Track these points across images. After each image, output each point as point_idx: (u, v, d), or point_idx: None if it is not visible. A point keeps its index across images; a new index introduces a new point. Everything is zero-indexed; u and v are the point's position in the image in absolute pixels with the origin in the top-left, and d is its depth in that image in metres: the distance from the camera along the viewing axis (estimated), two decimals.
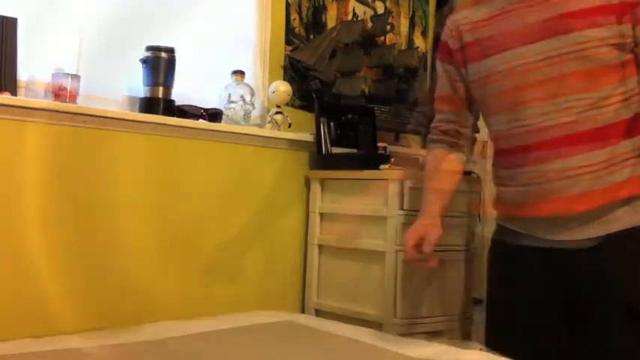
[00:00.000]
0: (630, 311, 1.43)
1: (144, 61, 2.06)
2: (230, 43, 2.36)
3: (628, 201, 1.45)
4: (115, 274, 1.92)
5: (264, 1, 2.43)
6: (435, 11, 3.09)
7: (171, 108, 2.09)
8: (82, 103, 1.91)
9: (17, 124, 1.73)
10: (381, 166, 2.15)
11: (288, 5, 2.50)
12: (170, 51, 2.08)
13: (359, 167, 2.23)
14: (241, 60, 2.37)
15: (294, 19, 2.53)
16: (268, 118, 2.35)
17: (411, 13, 2.99)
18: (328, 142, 2.38)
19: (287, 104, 2.41)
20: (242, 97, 2.26)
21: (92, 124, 1.87)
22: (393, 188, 2.10)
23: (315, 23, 2.60)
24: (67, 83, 1.85)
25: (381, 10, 2.84)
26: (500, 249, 1.66)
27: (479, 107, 1.65)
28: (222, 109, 2.24)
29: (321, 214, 2.36)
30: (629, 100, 1.45)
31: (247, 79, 2.34)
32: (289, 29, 2.51)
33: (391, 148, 2.60)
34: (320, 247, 2.36)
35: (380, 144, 2.54)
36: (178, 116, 2.09)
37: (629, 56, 1.44)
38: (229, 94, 2.26)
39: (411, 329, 2.04)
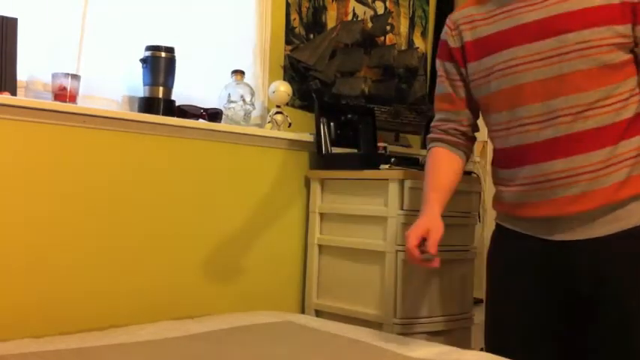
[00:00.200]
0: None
1: (144, 61, 2.06)
2: (230, 43, 2.36)
3: (628, 201, 1.45)
4: (114, 274, 1.93)
5: (264, 1, 2.43)
6: (436, 12, 3.09)
7: (171, 108, 2.09)
8: (82, 103, 1.91)
9: (17, 124, 1.73)
10: (381, 166, 2.15)
11: (288, 5, 2.50)
12: (170, 51, 2.08)
13: (359, 167, 2.23)
14: (241, 60, 2.37)
15: (294, 19, 2.53)
16: (268, 118, 2.35)
17: (411, 13, 2.99)
18: (328, 142, 2.38)
19: (287, 104, 2.41)
20: (242, 97, 2.26)
21: (92, 124, 1.87)
22: (393, 188, 2.10)
23: (315, 23, 2.60)
24: (67, 83, 1.85)
25: (381, 10, 2.84)
26: (500, 249, 1.66)
27: (478, 106, 1.65)
28: (222, 109, 2.24)
29: (321, 214, 2.36)
30: (628, 100, 1.44)
31: (247, 79, 2.34)
32: (289, 29, 2.51)
33: (391, 148, 2.60)
34: (320, 247, 2.36)
35: (380, 144, 2.54)
36: (178, 116, 2.09)
37: (629, 56, 1.44)
38: (229, 94, 2.26)
39: (411, 329, 2.04)
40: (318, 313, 2.31)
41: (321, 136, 2.37)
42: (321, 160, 2.39)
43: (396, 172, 2.11)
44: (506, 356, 1.47)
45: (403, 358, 1.47)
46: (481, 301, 2.66)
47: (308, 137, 2.40)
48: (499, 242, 1.67)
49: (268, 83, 2.40)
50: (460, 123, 1.67)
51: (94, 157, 1.89)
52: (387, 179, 2.11)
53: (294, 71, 2.51)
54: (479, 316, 2.30)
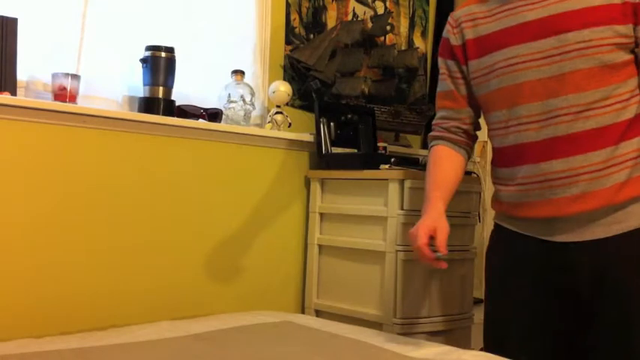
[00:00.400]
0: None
1: (144, 61, 2.06)
2: (230, 43, 2.36)
3: (629, 203, 1.44)
4: (115, 274, 1.93)
5: (264, 1, 2.43)
6: (436, 12, 3.09)
7: (171, 108, 2.09)
8: (82, 103, 1.91)
9: (17, 124, 1.73)
10: (381, 166, 2.15)
11: (288, 5, 2.50)
12: (170, 51, 2.08)
13: (359, 167, 2.23)
14: (241, 60, 2.37)
15: (294, 19, 2.53)
16: (268, 118, 2.35)
17: (411, 13, 2.99)
18: (328, 142, 2.38)
19: (287, 104, 2.41)
20: (242, 97, 2.26)
21: (92, 124, 1.87)
22: (393, 188, 2.10)
23: (315, 23, 2.60)
24: (67, 83, 1.85)
25: (381, 10, 2.84)
26: (499, 249, 1.66)
27: (480, 104, 1.64)
28: (222, 109, 2.24)
29: (321, 214, 2.36)
30: (629, 101, 1.44)
31: (247, 79, 2.34)
32: (289, 29, 2.51)
33: (391, 148, 2.60)
34: (320, 247, 2.36)
35: (380, 144, 2.54)
36: (178, 116, 2.09)
37: (629, 57, 1.44)
38: (229, 94, 2.26)
39: (411, 329, 2.04)
40: (318, 313, 2.31)
41: (321, 136, 2.37)
42: (321, 160, 2.39)
43: (396, 172, 2.11)
44: (505, 356, 1.47)
45: (403, 358, 1.47)
46: (481, 301, 2.65)
47: (308, 137, 2.40)
48: (498, 242, 1.67)
49: (268, 83, 2.40)
50: (462, 121, 1.67)
51: (94, 157, 1.89)
52: (387, 179, 2.11)
53: (294, 71, 2.51)
54: (479, 316, 2.30)
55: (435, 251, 1.50)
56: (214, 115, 2.20)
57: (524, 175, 1.51)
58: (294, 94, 2.43)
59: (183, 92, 2.18)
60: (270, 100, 2.38)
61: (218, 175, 2.18)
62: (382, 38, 2.84)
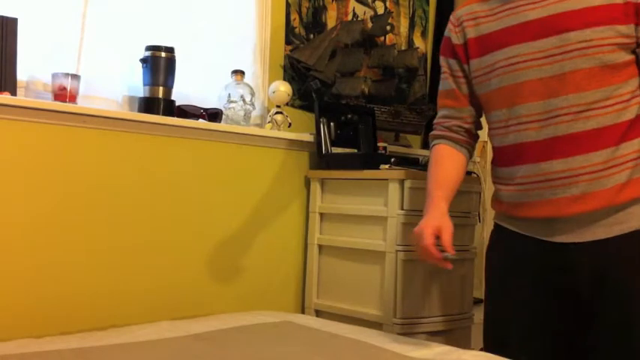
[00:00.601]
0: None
1: (144, 61, 2.06)
2: (230, 43, 2.36)
3: (630, 204, 1.44)
4: (115, 274, 1.93)
5: (264, 1, 2.43)
6: (436, 12, 3.09)
7: (171, 108, 2.09)
8: (82, 103, 1.91)
9: (17, 124, 1.73)
10: (381, 166, 2.15)
11: (288, 5, 2.50)
12: (170, 51, 2.08)
13: (359, 167, 2.23)
14: (241, 60, 2.37)
15: (294, 19, 2.53)
16: (268, 118, 2.35)
17: (411, 13, 2.99)
18: (328, 142, 2.38)
19: (287, 104, 2.41)
20: (242, 97, 2.26)
21: (92, 124, 1.87)
22: (393, 188, 2.10)
23: (315, 23, 2.60)
24: (67, 83, 1.85)
25: (381, 10, 2.84)
26: (499, 249, 1.66)
27: (481, 103, 1.64)
28: (222, 109, 2.24)
29: (321, 214, 2.36)
30: (630, 102, 1.44)
31: (247, 78, 2.34)
32: (289, 29, 2.51)
33: (391, 148, 2.60)
34: (320, 247, 2.36)
35: (380, 144, 2.54)
36: (178, 116, 2.09)
37: (631, 57, 1.44)
38: (229, 94, 2.26)
39: (411, 329, 2.04)
40: (318, 313, 2.31)
41: (321, 136, 2.37)
42: (321, 160, 2.39)
43: (396, 172, 2.11)
44: (505, 356, 1.47)
45: (403, 358, 1.47)
46: (481, 301, 2.65)
47: (308, 137, 2.40)
48: (498, 242, 1.67)
49: (268, 83, 2.40)
50: (464, 120, 1.66)
51: (94, 157, 1.89)
52: (387, 179, 2.11)
53: (294, 71, 2.51)
54: (479, 316, 2.30)
55: (442, 251, 1.49)
56: (214, 115, 2.20)
57: (524, 175, 1.51)
58: (294, 94, 2.43)
59: (183, 92, 2.18)
60: (270, 100, 2.38)
61: (218, 175, 2.18)
62: (382, 38, 2.84)
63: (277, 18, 2.47)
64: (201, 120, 2.16)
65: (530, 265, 1.56)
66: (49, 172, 1.80)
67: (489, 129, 1.62)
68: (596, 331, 1.47)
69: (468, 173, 2.21)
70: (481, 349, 1.66)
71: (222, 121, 2.23)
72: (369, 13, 2.80)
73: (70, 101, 1.85)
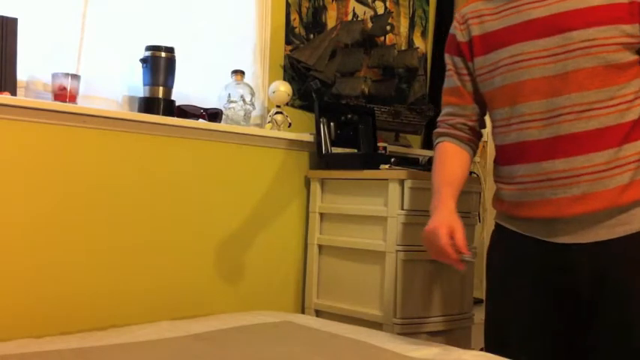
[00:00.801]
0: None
1: (144, 61, 2.06)
2: (230, 43, 2.36)
3: (632, 206, 1.43)
4: (115, 274, 1.93)
5: (264, 1, 2.43)
6: (436, 12, 3.09)
7: (171, 108, 2.09)
8: (82, 103, 1.91)
9: (17, 124, 1.73)
10: (381, 166, 2.15)
11: (288, 5, 2.50)
12: (170, 51, 2.08)
13: (359, 167, 2.23)
14: (241, 60, 2.37)
15: (294, 19, 2.53)
16: (268, 118, 2.35)
17: (411, 13, 2.99)
18: (328, 142, 2.38)
19: (287, 104, 2.41)
20: (242, 97, 2.26)
21: (92, 124, 1.87)
22: (393, 188, 2.10)
23: (315, 23, 2.60)
24: (67, 83, 1.85)
25: (381, 10, 2.84)
26: (499, 249, 1.66)
27: (485, 101, 1.64)
28: (222, 109, 2.24)
29: (321, 214, 2.36)
30: (633, 102, 1.43)
31: (247, 78, 2.34)
32: (289, 29, 2.51)
33: (391, 148, 2.60)
34: (320, 247, 2.36)
35: (380, 144, 2.54)
36: (178, 116, 2.09)
37: (635, 57, 1.43)
38: (229, 94, 2.26)
39: (411, 329, 2.04)
40: (318, 313, 2.31)
41: (321, 136, 2.37)
42: (321, 160, 2.39)
43: (396, 172, 2.11)
44: (505, 356, 1.46)
45: (403, 358, 1.47)
46: (481, 301, 2.66)
47: (308, 137, 2.40)
48: (499, 242, 1.66)
49: (268, 83, 2.40)
50: (468, 117, 1.66)
51: (94, 157, 1.89)
52: (387, 179, 2.11)
53: (294, 71, 2.51)
54: (479, 316, 2.30)
55: (457, 252, 1.47)
56: (214, 115, 2.20)
57: (525, 174, 1.51)
58: (294, 94, 2.43)
59: (183, 92, 2.18)
60: (270, 100, 2.38)
61: (218, 175, 2.18)
62: (382, 38, 2.84)
63: (277, 18, 2.47)
64: (201, 120, 2.16)
65: (530, 266, 1.55)
66: (49, 172, 1.80)
67: (493, 127, 1.61)
68: (596, 331, 1.47)
69: (469, 173, 2.22)
70: (481, 349, 1.66)
71: (222, 121, 2.23)
72: (369, 13, 2.80)
73: (70, 101, 1.85)
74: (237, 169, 2.23)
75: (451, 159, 1.66)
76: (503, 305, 1.63)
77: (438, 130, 1.70)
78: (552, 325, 1.54)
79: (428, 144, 2.92)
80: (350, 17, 2.73)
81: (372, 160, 2.23)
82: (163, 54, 2.06)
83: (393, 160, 2.16)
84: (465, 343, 2.18)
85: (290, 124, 2.37)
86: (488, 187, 2.95)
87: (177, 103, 2.13)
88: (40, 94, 1.88)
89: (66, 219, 1.83)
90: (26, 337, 1.57)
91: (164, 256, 2.04)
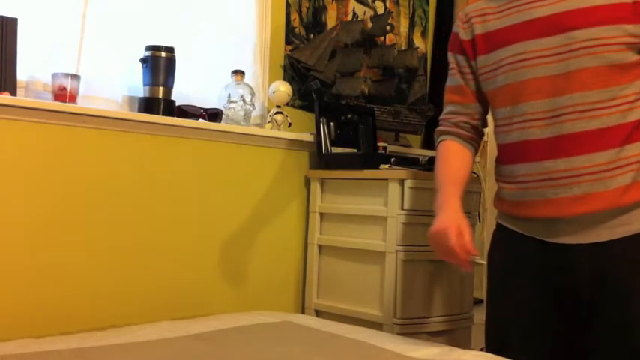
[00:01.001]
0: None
1: (144, 61, 2.06)
2: (230, 43, 2.36)
3: (634, 207, 1.43)
4: (115, 274, 1.93)
5: (264, 1, 2.43)
6: (436, 12, 3.09)
7: (171, 108, 2.09)
8: (82, 103, 1.91)
9: (17, 124, 1.73)
10: (381, 166, 2.15)
11: (288, 5, 2.50)
12: (170, 51, 2.08)
13: (359, 167, 2.23)
14: (241, 60, 2.37)
15: (294, 19, 2.53)
16: (268, 118, 2.35)
17: (411, 13, 2.99)
18: (328, 142, 2.38)
19: (287, 104, 2.41)
20: (242, 97, 2.26)
21: (92, 124, 1.87)
22: (393, 188, 2.10)
23: (315, 23, 2.60)
24: (67, 83, 1.85)
25: (381, 10, 2.84)
26: (500, 249, 1.66)
27: (487, 100, 1.63)
28: (222, 109, 2.24)
29: (321, 214, 2.36)
30: (635, 103, 1.42)
31: (247, 78, 2.34)
32: (289, 29, 2.51)
33: (391, 148, 2.60)
34: (320, 247, 2.36)
35: (380, 144, 2.54)
36: (178, 116, 2.09)
37: (638, 57, 1.42)
38: (229, 94, 2.26)
39: (411, 329, 2.04)
40: (318, 313, 2.31)
41: (321, 136, 2.37)
42: (321, 160, 2.39)
43: (396, 172, 2.11)
44: (506, 356, 1.46)
45: (403, 358, 1.47)
46: (481, 301, 2.66)
47: (308, 137, 2.40)
48: (499, 242, 1.66)
49: (268, 83, 2.40)
50: (471, 116, 1.65)
51: (94, 157, 1.89)
52: (387, 179, 2.11)
53: (294, 71, 2.51)
54: (479, 316, 2.30)
55: (467, 253, 1.46)
56: (214, 115, 2.20)
57: (526, 173, 1.51)
58: (294, 94, 2.43)
59: (183, 92, 2.18)
60: (270, 100, 2.38)
61: (218, 175, 2.18)
62: (382, 38, 2.84)
63: (277, 18, 2.47)
64: (201, 120, 2.16)
65: (530, 266, 1.55)
66: (49, 172, 1.80)
67: (495, 126, 1.61)
68: (596, 331, 1.46)
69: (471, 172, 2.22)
70: (481, 349, 1.66)
71: (222, 121, 2.23)
72: (369, 13, 2.80)
73: (70, 101, 1.85)
74: (237, 169, 2.23)
75: (454, 157, 1.65)
76: (504, 305, 1.63)
77: (440, 128, 1.70)
78: (552, 325, 1.54)
79: (428, 144, 2.92)
80: (350, 17, 2.73)
81: (372, 160, 2.23)
82: (163, 54, 2.06)
83: (393, 160, 2.16)
84: (465, 343, 2.18)
85: (290, 124, 2.37)
86: (489, 187, 2.95)
87: (177, 103, 2.13)
88: (40, 94, 1.88)
89: (66, 219, 1.83)
90: (26, 337, 1.57)
91: (164, 256, 2.04)
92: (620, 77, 1.41)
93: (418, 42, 3.02)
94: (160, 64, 2.06)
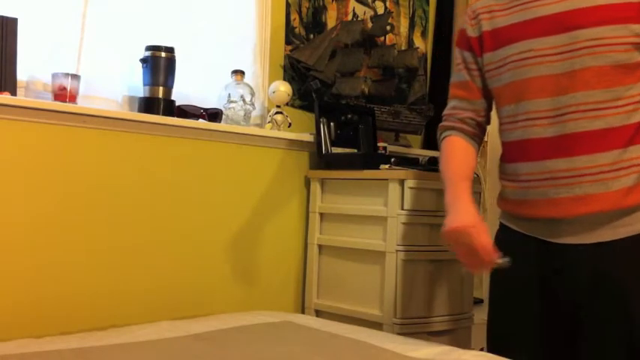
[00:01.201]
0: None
1: (144, 61, 2.06)
2: (230, 43, 2.36)
3: (636, 208, 1.42)
4: (115, 274, 1.93)
5: (264, 1, 2.43)
6: (436, 12, 3.09)
7: (171, 108, 2.09)
8: (82, 103, 1.91)
9: (17, 124, 1.73)
10: (381, 166, 2.15)
11: (288, 5, 2.50)
12: (170, 51, 2.08)
13: (359, 167, 2.23)
14: (241, 60, 2.37)
15: (294, 19, 2.53)
16: (268, 118, 2.35)
17: (411, 13, 2.99)
18: (328, 142, 2.38)
19: (287, 104, 2.41)
20: (242, 97, 2.26)
21: (92, 124, 1.87)
22: (393, 188, 2.10)
23: (315, 23, 2.60)
24: (67, 83, 1.85)
25: (381, 10, 2.84)
26: (502, 249, 1.65)
27: (492, 98, 1.63)
28: (222, 109, 2.24)
29: (321, 214, 2.36)
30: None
31: (247, 78, 2.34)
32: (289, 29, 2.51)
33: (391, 148, 2.60)
34: (320, 247, 2.36)
35: (380, 144, 2.54)
36: (178, 116, 2.09)
37: None
38: (229, 94, 2.26)
39: (411, 329, 2.04)
40: (318, 313, 2.31)
41: (321, 136, 2.37)
42: (321, 160, 2.39)
43: (396, 172, 2.11)
44: (506, 356, 1.46)
45: (403, 358, 1.47)
46: (481, 301, 2.66)
47: (308, 137, 2.40)
48: (501, 242, 1.65)
49: (268, 83, 2.40)
50: (477, 112, 1.65)
51: (94, 157, 1.89)
52: (387, 179, 2.11)
53: (294, 71, 2.51)
54: (479, 316, 2.30)
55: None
56: (214, 115, 2.20)
57: (529, 172, 1.50)
58: (294, 94, 2.43)
59: (183, 92, 2.18)
60: (270, 100, 2.38)
61: (218, 175, 2.18)
62: (382, 38, 2.84)
63: (277, 18, 2.47)
64: (201, 120, 2.16)
65: (531, 266, 1.55)
66: (49, 172, 1.80)
67: (499, 124, 1.60)
68: (596, 331, 1.46)
69: None
70: (481, 349, 1.66)
71: (222, 121, 2.23)
72: (369, 13, 2.80)
73: (70, 101, 1.85)
74: (237, 169, 2.23)
75: (461, 153, 1.63)
76: (504, 305, 1.63)
77: (444, 123, 1.68)
78: (553, 326, 1.53)
79: (428, 144, 2.92)
80: (350, 17, 2.73)
81: (372, 160, 2.23)
82: (163, 54, 2.06)
83: (393, 160, 2.16)
84: (465, 343, 2.18)
85: (290, 124, 2.37)
86: (489, 187, 2.95)
87: (177, 103, 2.13)
88: (40, 94, 1.88)
89: (66, 219, 1.83)
90: (26, 337, 1.57)
91: (164, 256, 2.04)
92: (625, 77, 1.41)
93: (418, 42, 3.02)
94: (159, 64, 2.06)
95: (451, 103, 1.69)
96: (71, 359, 1.40)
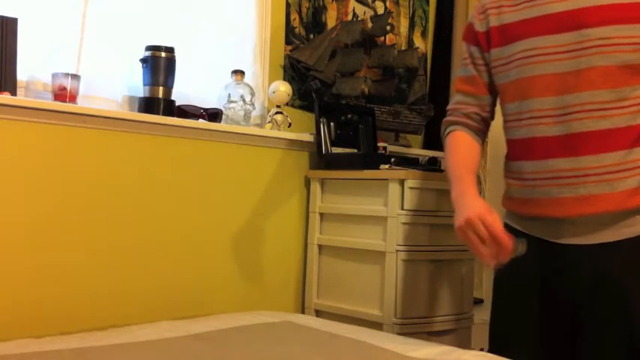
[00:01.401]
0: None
1: (144, 61, 2.06)
2: (230, 43, 2.36)
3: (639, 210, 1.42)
4: (115, 274, 1.93)
5: (264, 1, 2.43)
6: (436, 12, 3.09)
7: (171, 108, 2.09)
8: (82, 103, 1.91)
9: (17, 124, 1.73)
10: (381, 166, 2.15)
11: (288, 5, 2.50)
12: (170, 51, 2.08)
13: (359, 167, 2.23)
14: (241, 60, 2.37)
15: (294, 19, 2.53)
16: (268, 118, 2.35)
17: (411, 13, 2.99)
18: (328, 142, 2.38)
19: (287, 104, 2.41)
20: (242, 97, 2.26)
21: (92, 124, 1.87)
22: (393, 188, 2.10)
23: (315, 23, 2.60)
24: (67, 83, 1.85)
25: (381, 10, 2.84)
26: None
27: (498, 94, 1.62)
28: (222, 109, 2.24)
29: (321, 214, 2.36)
30: None
31: (247, 78, 2.34)
32: (289, 29, 2.51)
33: (391, 148, 2.60)
34: (320, 247, 2.36)
35: (380, 144, 2.54)
36: (178, 116, 2.09)
37: None
38: (229, 94, 2.26)
39: (411, 329, 2.04)
40: (318, 313, 2.31)
41: (321, 136, 2.37)
42: (321, 160, 2.39)
43: (396, 172, 2.11)
44: (506, 356, 1.46)
45: (403, 358, 1.47)
46: (481, 301, 2.66)
47: (308, 137, 2.40)
48: None
49: (268, 83, 2.40)
50: (482, 108, 1.64)
51: (94, 157, 1.89)
52: (387, 179, 2.11)
53: (294, 71, 2.51)
54: (479, 316, 2.30)
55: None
56: (214, 115, 2.20)
57: (533, 170, 1.50)
58: (294, 94, 2.43)
59: (183, 92, 2.18)
60: (270, 100, 2.38)
61: (218, 175, 2.18)
62: (382, 38, 2.84)
63: (277, 18, 2.47)
64: (201, 120, 2.16)
65: (533, 266, 1.55)
66: (49, 172, 1.80)
67: (504, 121, 1.59)
68: (596, 331, 1.46)
69: None
70: (481, 349, 1.66)
71: (222, 121, 2.23)
72: (369, 13, 2.80)
73: (70, 101, 1.85)
74: (237, 169, 2.23)
75: (467, 147, 1.62)
76: (505, 305, 1.63)
77: (449, 118, 1.67)
78: (553, 326, 1.53)
79: (428, 144, 2.92)
80: (350, 17, 2.73)
81: (372, 160, 2.23)
82: (163, 54, 2.06)
83: (393, 160, 2.16)
84: (465, 343, 2.18)
85: (290, 124, 2.37)
86: (489, 187, 2.95)
87: (177, 103, 2.13)
88: (40, 94, 1.88)
89: (66, 219, 1.83)
90: (26, 337, 1.57)
91: (164, 256, 2.04)
92: (631, 78, 1.40)
93: (418, 42, 3.02)
94: (159, 64, 2.06)
95: (456, 98, 1.68)
96: (71, 359, 1.40)
